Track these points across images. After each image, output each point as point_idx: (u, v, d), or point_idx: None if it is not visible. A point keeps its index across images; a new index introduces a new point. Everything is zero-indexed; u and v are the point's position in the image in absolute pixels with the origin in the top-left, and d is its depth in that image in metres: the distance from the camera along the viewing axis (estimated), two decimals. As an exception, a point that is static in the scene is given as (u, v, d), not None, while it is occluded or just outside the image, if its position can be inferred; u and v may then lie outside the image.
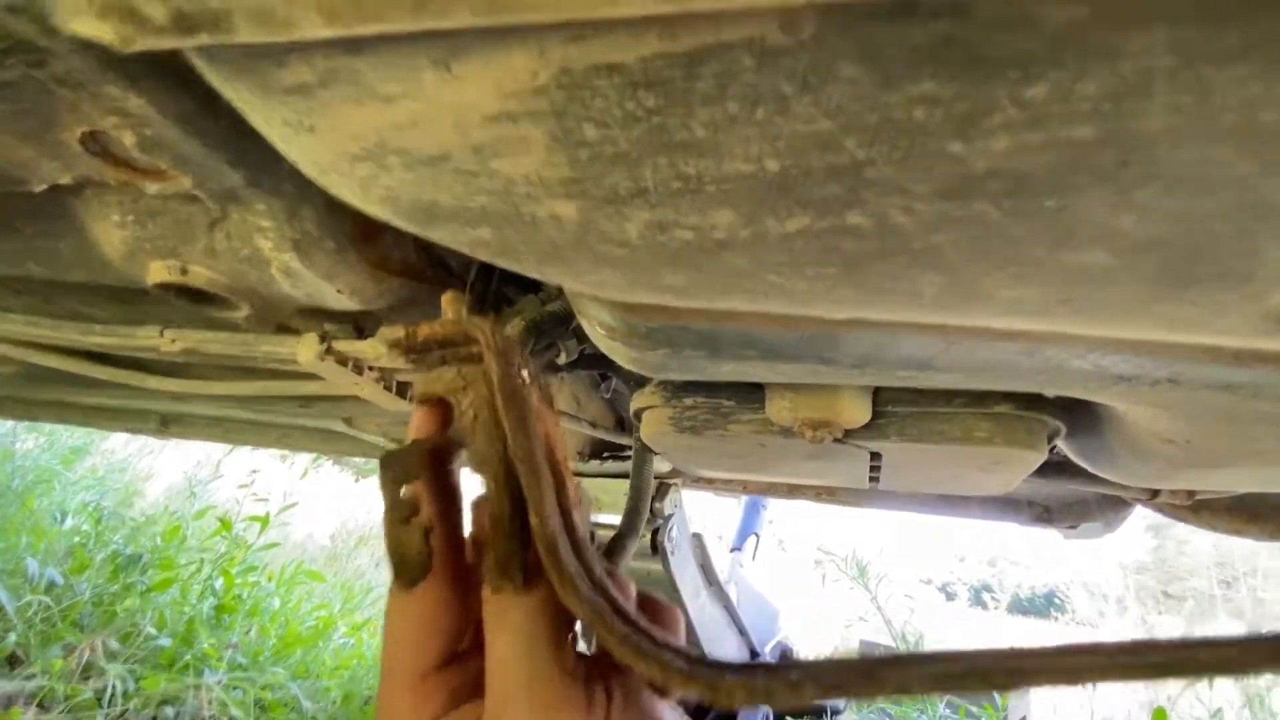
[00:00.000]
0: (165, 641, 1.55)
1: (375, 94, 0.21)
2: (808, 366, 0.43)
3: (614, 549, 0.75)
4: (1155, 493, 0.85)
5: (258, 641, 1.75)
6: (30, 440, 2.50)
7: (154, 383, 0.79)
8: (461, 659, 0.31)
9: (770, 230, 0.24)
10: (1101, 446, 0.55)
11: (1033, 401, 0.51)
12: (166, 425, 1.67)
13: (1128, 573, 12.13)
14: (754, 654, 1.84)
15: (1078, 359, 0.36)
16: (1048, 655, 0.24)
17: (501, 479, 0.32)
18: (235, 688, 1.50)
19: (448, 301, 0.36)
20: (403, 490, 0.31)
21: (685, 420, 0.61)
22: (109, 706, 1.35)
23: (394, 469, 0.31)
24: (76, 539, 1.88)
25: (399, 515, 0.30)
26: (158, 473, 3.33)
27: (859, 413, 0.52)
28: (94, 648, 1.38)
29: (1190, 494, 0.83)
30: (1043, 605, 12.99)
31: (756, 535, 2.02)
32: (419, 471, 0.32)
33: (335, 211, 0.43)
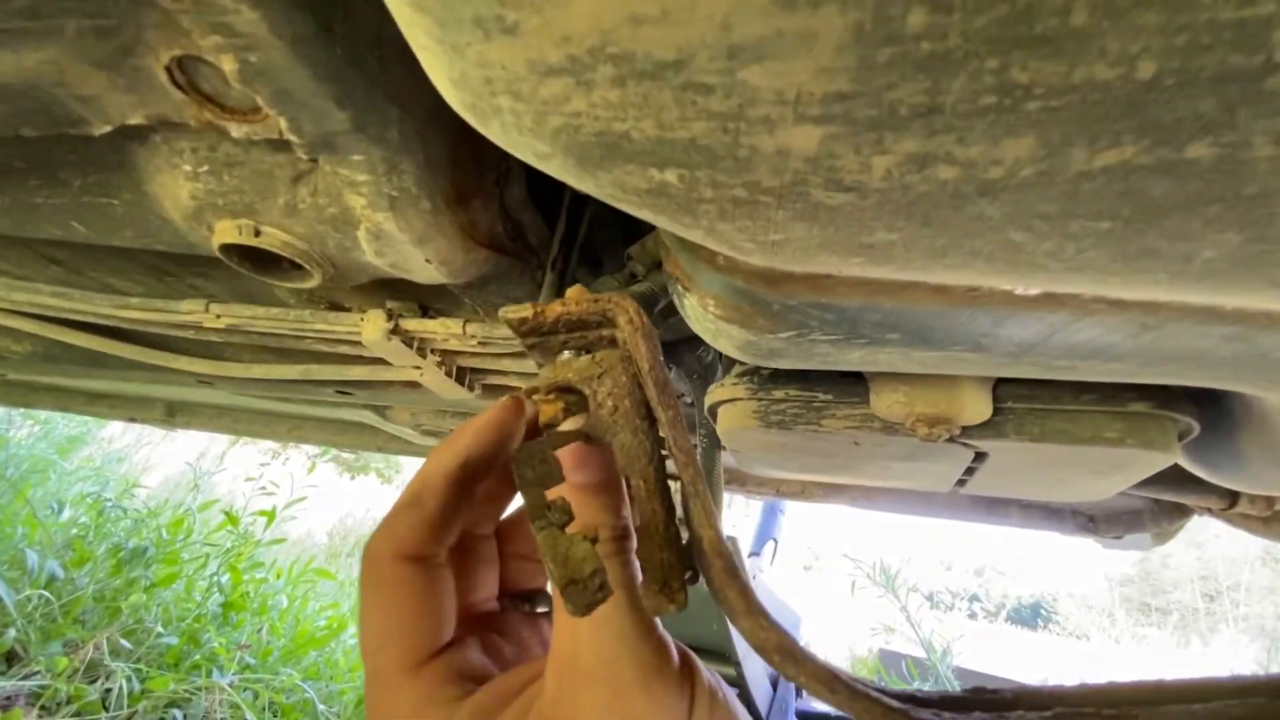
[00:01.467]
0: (171, 639, 1.49)
1: (630, -31, 0.16)
2: (953, 354, 0.39)
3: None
4: (1233, 502, 0.81)
5: (267, 641, 1.69)
6: (25, 428, 2.42)
7: (184, 364, 0.74)
8: (450, 648, 0.29)
9: (1070, 166, 0.19)
10: (1228, 449, 0.51)
11: (1169, 399, 0.47)
12: (173, 414, 1.61)
13: (1113, 585, 12.21)
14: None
15: (1293, 347, 0.32)
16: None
17: (652, 480, 0.28)
18: (246, 689, 1.44)
19: (574, 292, 0.32)
20: (550, 495, 0.25)
21: (773, 414, 0.56)
22: (115, 709, 1.28)
23: (533, 467, 0.26)
24: (75, 531, 1.80)
25: (554, 523, 0.24)
26: (157, 464, 3.24)
27: (981, 408, 0.48)
28: (98, 645, 1.31)
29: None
30: (1029, 616, 13.04)
31: (775, 540, 1.98)
32: (560, 470, 0.27)
33: (433, 167, 0.39)
